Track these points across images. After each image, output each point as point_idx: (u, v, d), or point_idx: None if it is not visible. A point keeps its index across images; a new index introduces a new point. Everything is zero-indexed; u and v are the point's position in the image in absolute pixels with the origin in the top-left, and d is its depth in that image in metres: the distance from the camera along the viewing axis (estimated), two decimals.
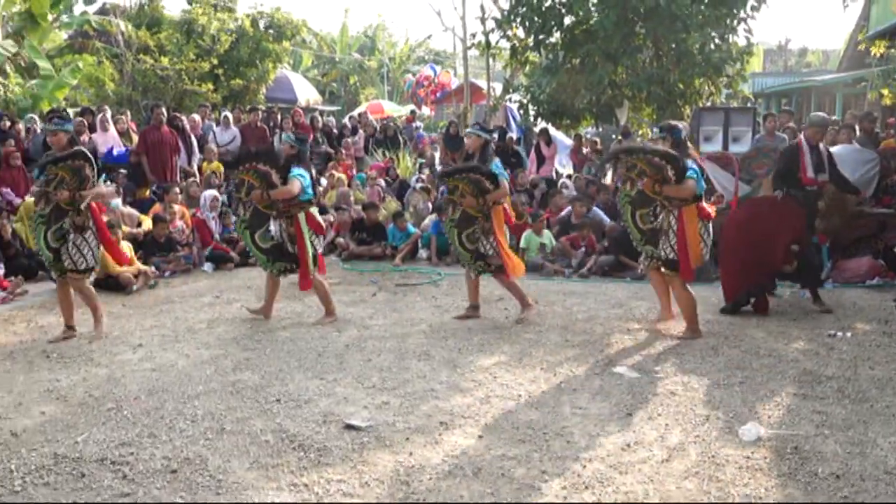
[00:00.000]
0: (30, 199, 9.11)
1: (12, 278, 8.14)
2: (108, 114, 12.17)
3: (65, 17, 18.05)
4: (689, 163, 6.10)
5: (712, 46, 12.69)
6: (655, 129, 7.46)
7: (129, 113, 13.82)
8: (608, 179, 11.67)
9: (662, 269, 6.38)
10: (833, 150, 7.79)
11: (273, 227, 6.71)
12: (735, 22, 12.88)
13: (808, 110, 20.79)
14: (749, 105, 14.44)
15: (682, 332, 6.34)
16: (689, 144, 6.74)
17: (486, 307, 7.33)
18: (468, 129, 7.48)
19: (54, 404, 4.85)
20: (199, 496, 3.62)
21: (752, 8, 12.81)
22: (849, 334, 6.24)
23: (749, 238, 6.87)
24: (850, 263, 8.30)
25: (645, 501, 3.58)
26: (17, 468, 3.91)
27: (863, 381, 5.16)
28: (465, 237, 6.75)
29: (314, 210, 6.82)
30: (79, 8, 18.31)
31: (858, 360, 5.60)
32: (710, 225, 6.26)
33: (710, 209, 6.28)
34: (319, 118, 14.71)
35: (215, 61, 18.90)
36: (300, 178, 6.57)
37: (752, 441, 4.23)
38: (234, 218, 6.67)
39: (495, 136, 9.85)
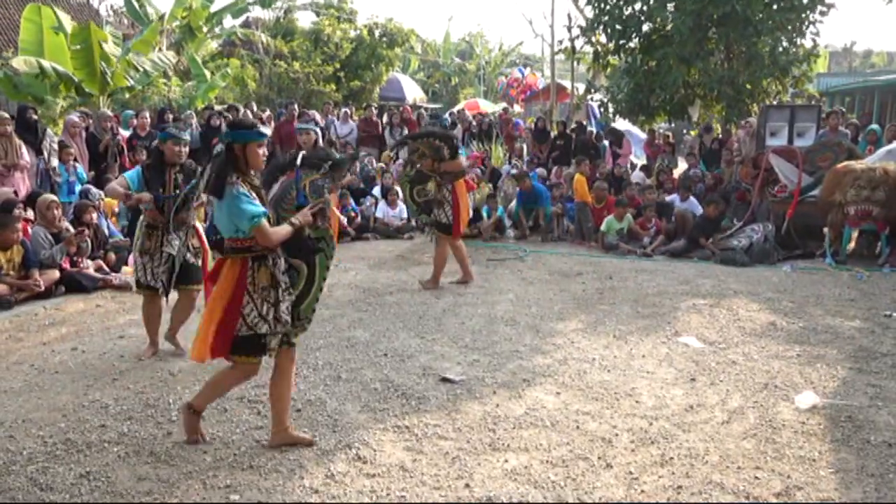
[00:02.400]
0: None
1: None
2: (255, 108, 12.55)
3: (216, 30, 18.81)
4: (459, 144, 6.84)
5: (780, 49, 12.02)
6: (427, 118, 7.78)
7: (266, 109, 14.23)
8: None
9: (436, 232, 6.69)
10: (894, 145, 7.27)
11: (175, 240, 4.83)
12: (804, 26, 12.13)
13: (872, 109, 19.44)
14: (813, 103, 13.60)
15: (427, 280, 6.82)
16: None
17: (565, 280, 7.23)
18: (300, 125, 6.76)
19: None
20: (318, 432, 3.72)
21: (821, 13, 12.04)
22: None
23: None
24: None
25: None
26: (174, 402, 4.12)
27: None
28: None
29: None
30: (227, 22, 19.06)
31: None
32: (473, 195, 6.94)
33: (472, 183, 6.85)
34: (424, 114, 14.73)
35: (338, 65, 19.28)
36: None
37: (807, 408, 4.03)
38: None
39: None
